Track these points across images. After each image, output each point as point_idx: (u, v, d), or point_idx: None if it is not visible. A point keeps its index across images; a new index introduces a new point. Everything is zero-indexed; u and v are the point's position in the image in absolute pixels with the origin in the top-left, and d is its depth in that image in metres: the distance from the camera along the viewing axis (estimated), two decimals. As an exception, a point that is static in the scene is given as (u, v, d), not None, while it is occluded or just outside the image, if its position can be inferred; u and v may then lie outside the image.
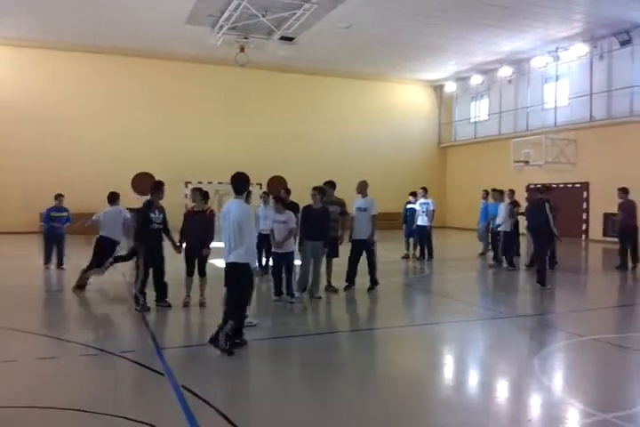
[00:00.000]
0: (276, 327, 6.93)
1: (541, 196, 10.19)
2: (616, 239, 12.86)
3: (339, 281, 9.30)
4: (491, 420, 4.15)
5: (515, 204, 13.42)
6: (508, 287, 10.78)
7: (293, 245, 8.35)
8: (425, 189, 13.97)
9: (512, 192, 13.81)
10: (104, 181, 21.06)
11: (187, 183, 20.44)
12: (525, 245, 13.70)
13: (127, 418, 3.91)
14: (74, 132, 21.79)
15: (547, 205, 9.69)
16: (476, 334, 6.86)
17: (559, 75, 21.89)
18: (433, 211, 13.65)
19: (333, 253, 9.04)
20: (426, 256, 13.72)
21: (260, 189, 18.55)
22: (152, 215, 7.63)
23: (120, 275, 10.51)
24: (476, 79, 25.75)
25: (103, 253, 9.19)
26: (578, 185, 20.71)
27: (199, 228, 7.79)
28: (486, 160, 25.04)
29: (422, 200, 13.73)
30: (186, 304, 7.81)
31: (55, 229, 11.51)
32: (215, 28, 18.51)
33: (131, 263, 9.57)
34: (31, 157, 20.95)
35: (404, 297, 9.87)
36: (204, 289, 7.96)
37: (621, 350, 6.05)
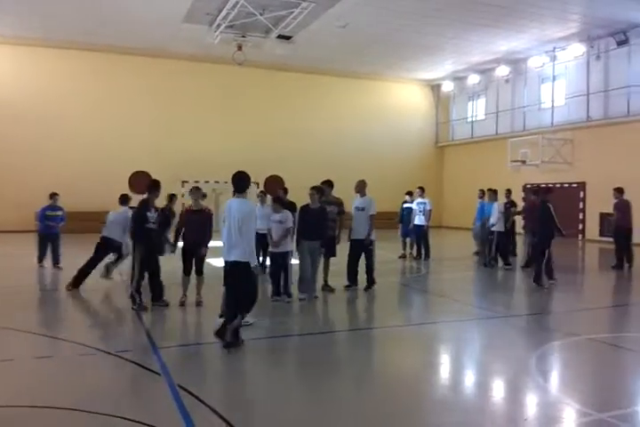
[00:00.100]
0: (273, 327, 6.92)
1: (538, 197, 10.30)
2: (612, 239, 12.91)
3: (336, 281, 9.30)
4: (487, 419, 4.16)
5: (511, 203, 13.46)
6: (505, 287, 10.82)
7: (290, 245, 8.36)
8: (422, 189, 13.97)
9: (509, 192, 13.84)
10: (101, 179, 21.16)
11: (183, 182, 20.39)
12: (521, 245, 13.76)
13: (123, 417, 3.90)
14: (71, 131, 21.73)
15: (550, 206, 9.81)
16: (472, 333, 6.88)
17: (556, 75, 21.92)
18: (430, 210, 13.66)
19: (330, 252, 9.04)
20: (422, 256, 13.73)
21: (257, 188, 18.53)
22: (148, 214, 7.69)
23: (117, 274, 10.47)
24: (474, 79, 25.77)
25: (102, 254, 9.31)
26: (574, 185, 20.76)
27: (198, 227, 7.80)
28: (483, 160, 25.08)
29: (419, 200, 13.74)
30: (182, 303, 7.81)
31: (50, 228, 11.48)
32: (213, 26, 18.49)
33: (128, 262, 9.57)
34: (27, 155, 20.88)
35: (401, 297, 9.88)
36: (201, 288, 7.96)
37: (616, 350, 6.08)
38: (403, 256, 14.10)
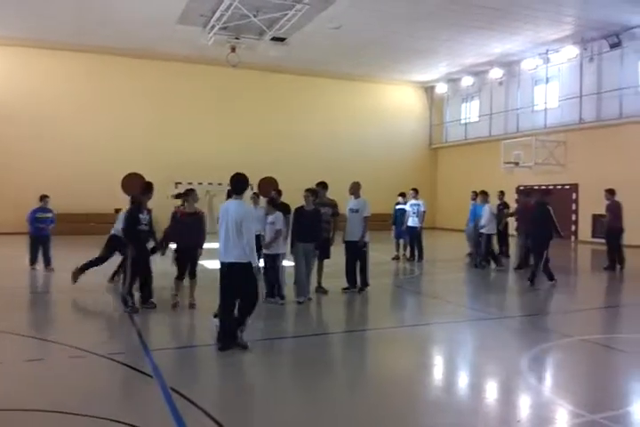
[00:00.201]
0: (267, 329, 6.90)
1: (531, 199, 10.41)
2: (604, 240, 12.96)
3: (330, 283, 9.29)
4: (480, 421, 4.16)
5: (504, 205, 13.50)
6: (498, 288, 10.84)
7: (283, 247, 8.34)
8: (416, 191, 13.97)
9: (502, 194, 13.89)
10: (94, 180, 21.06)
11: (177, 184, 20.32)
12: (514, 246, 13.80)
13: (116, 420, 3.87)
14: (64, 132, 21.60)
15: (550, 208, 9.90)
16: (465, 335, 6.89)
17: (549, 77, 22.04)
18: (424, 212, 13.68)
19: (324, 254, 9.03)
20: (416, 257, 13.74)
21: (252, 189, 18.50)
22: (140, 216, 7.68)
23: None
24: (467, 81, 25.85)
25: (110, 251, 9.38)
26: (567, 186, 20.85)
27: (193, 230, 7.78)
28: (477, 161, 25.15)
29: (413, 201, 13.74)
30: (175, 305, 7.77)
31: (41, 230, 11.41)
32: (206, 28, 18.45)
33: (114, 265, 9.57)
34: (19, 156, 20.73)
35: (395, 298, 9.88)
36: (194, 290, 7.93)
37: (609, 351, 6.10)
38: (396, 258, 14.10)
